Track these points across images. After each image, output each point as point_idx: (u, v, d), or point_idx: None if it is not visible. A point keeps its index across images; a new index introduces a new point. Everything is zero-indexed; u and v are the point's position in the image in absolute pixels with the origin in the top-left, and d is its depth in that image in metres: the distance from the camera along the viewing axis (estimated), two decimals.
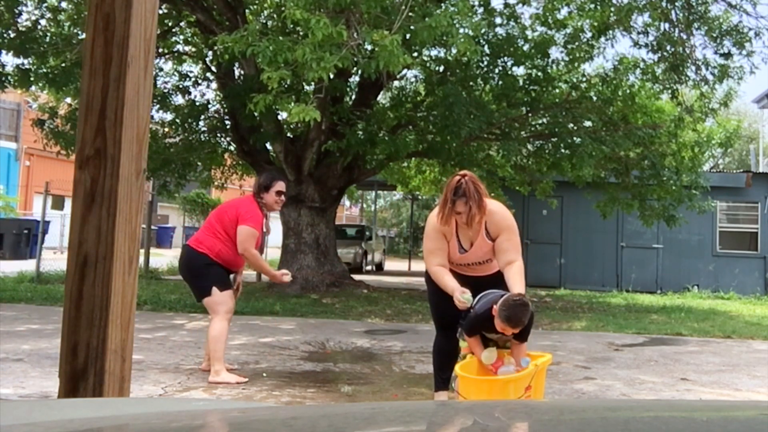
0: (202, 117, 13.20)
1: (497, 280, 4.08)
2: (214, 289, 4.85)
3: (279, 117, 11.32)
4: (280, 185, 5.11)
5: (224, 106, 12.47)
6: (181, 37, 13.42)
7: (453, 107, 9.56)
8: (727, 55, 10.37)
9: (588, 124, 11.38)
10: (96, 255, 1.71)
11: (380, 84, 10.75)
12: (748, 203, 15.88)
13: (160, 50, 12.29)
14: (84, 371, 1.70)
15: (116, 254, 1.72)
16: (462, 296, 3.82)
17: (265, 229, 5.10)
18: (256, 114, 8.30)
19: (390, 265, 25.31)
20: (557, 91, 11.84)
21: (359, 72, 9.80)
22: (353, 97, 12.28)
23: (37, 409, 1.08)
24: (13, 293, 9.74)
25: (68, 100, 12.43)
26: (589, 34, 11.06)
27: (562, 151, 11.57)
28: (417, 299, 11.49)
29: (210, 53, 11.97)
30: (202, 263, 4.92)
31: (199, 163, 13.87)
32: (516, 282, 3.87)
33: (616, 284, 15.68)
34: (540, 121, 12.18)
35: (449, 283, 3.94)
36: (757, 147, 29.32)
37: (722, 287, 15.05)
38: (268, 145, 12.16)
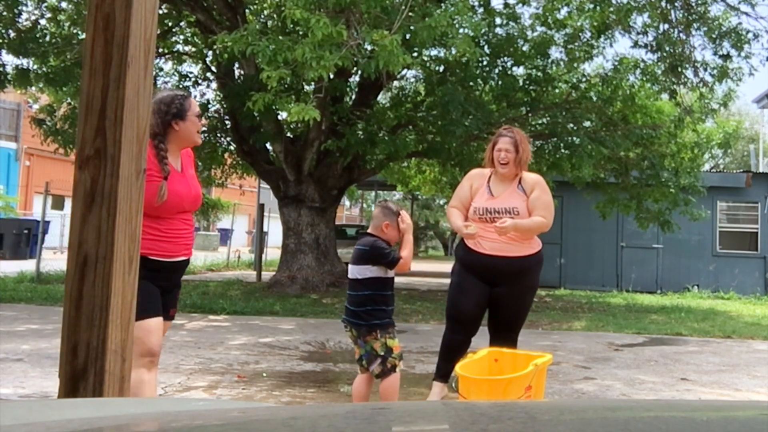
0: (202, 117, 13.20)
1: (527, 267, 4.12)
2: None
3: (279, 117, 11.32)
4: (195, 103, 3.37)
5: (224, 106, 12.47)
6: (181, 37, 13.42)
7: (448, 106, 9.57)
8: (726, 57, 10.38)
9: (588, 124, 11.38)
10: (96, 255, 1.71)
11: (380, 84, 10.75)
12: (748, 203, 15.88)
13: (160, 50, 12.29)
14: (84, 371, 1.70)
15: (116, 254, 1.72)
16: (467, 229, 4.05)
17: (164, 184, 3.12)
18: (255, 113, 8.30)
19: None
20: (557, 91, 11.84)
21: (359, 72, 9.80)
22: (353, 97, 12.27)
23: (37, 409, 1.08)
24: (13, 293, 9.74)
25: (68, 100, 12.42)
26: (588, 34, 11.06)
27: (562, 151, 11.57)
28: (417, 299, 11.49)
29: (210, 53, 11.97)
30: None
31: (200, 163, 13.86)
32: (526, 219, 4.07)
33: (616, 284, 15.68)
34: (540, 121, 12.18)
35: (457, 220, 4.22)
36: (757, 147, 29.30)
37: (722, 287, 15.05)
38: (268, 145, 12.16)
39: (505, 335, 4.21)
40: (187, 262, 3.30)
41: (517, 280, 4.12)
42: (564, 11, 10.91)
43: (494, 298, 4.18)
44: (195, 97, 13.33)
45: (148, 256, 3.02)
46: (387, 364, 3.63)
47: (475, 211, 4.15)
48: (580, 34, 11.05)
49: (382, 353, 3.61)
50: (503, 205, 4.10)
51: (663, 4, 10.10)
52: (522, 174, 4.23)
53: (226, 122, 12.87)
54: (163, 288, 3.14)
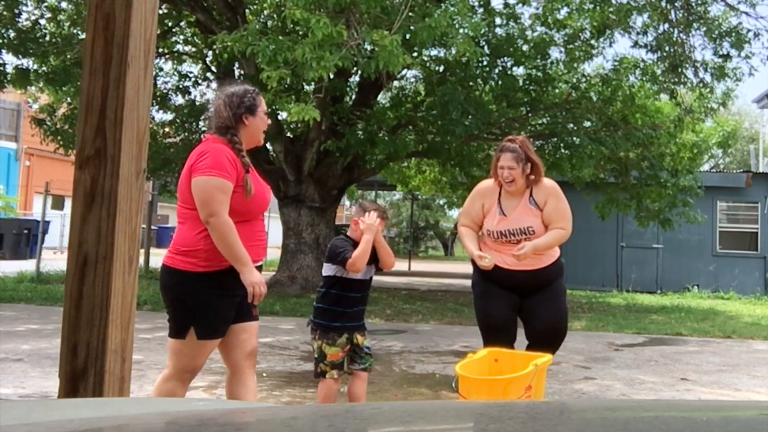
0: (202, 117, 13.19)
1: (548, 277, 3.96)
2: (191, 331, 2.88)
3: (279, 117, 11.31)
4: (263, 101, 3.16)
5: None
6: (181, 37, 13.42)
7: (448, 105, 9.57)
8: (726, 57, 10.38)
9: (588, 124, 11.38)
10: (96, 255, 1.71)
11: (380, 84, 10.75)
12: (748, 203, 15.88)
13: (160, 50, 12.29)
14: (84, 371, 1.70)
15: (116, 254, 1.72)
16: (482, 261, 3.87)
17: (250, 190, 2.91)
18: None
19: None
20: (557, 91, 11.84)
21: (359, 72, 9.80)
22: (353, 97, 12.27)
23: (37, 409, 1.08)
24: (13, 293, 9.74)
25: (68, 99, 12.42)
26: (588, 34, 11.06)
27: (562, 151, 11.57)
28: (417, 299, 11.49)
29: (210, 53, 11.96)
30: (176, 283, 2.91)
31: None
32: (544, 237, 3.87)
33: (616, 284, 15.67)
34: (540, 121, 12.18)
35: (469, 244, 4.02)
36: (757, 147, 29.31)
37: (722, 287, 15.05)
38: (268, 145, 12.16)
39: (553, 343, 3.95)
40: (261, 266, 3.08)
41: (542, 287, 3.98)
42: (564, 11, 10.91)
43: (526, 309, 4.00)
44: (195, 96, 13.34)
45: None
46: (317, 368, 3.55)
47: (488, 234, 4.00)
48: (580, 34, 11.05)
49: (316, 356, 3.56)
50: (517, 225, 3.92)
51: (663, 4, 10.10)
52: (533, 184, 4.01)
53: None
54: (241, 297, 2.96)
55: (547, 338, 3.95)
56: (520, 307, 4.02)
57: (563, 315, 4.04)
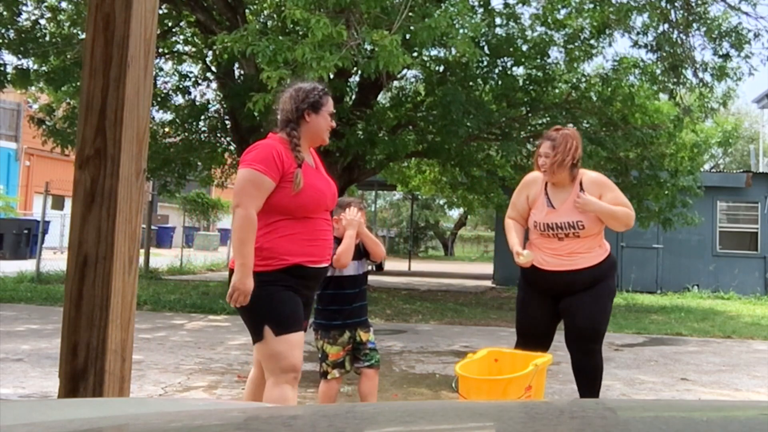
0: (202, 117, 13.20)
1: (590, 279, 3.78)
2: (267, 330, 2.89)
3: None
4: (331, 102, 3.13)
5: (224, 106, 12.47)
6: (181, 37, 13.42)
7: (450, 106, 9.57)
8: (726, 57, 10.38)
9: (587, 125, 11.38)
10: (96, 255, 1.71)
11: (380, 84, 10.74)
12: (748, 203, 15.88)
13: (160, 50, 12.29)
14: (84, 371, 1.70)
15: (116, 254, 1.72)
16: (518, 258, 3.78)
17: (300, 185, 2.87)
18: (256, 114, 8.29)
19: (390, 265, 25.31)
20: (557, 91, 11.84)
21: (359, 72, 9.80)
22: (353, 97, 12.27)
23: (37, 409, 1.08)
24: (13, 293, 9.74)
25: (68, 99, 12.42)
26: (588, 34, 11.06)
27: None
28: (417, 299, 11.49)
29: (210, 53, 11.97)
30: None
31: (199, 163, 13.87)
32: (613, 206, 3.76)
33: (616, 284, 15.65)
34: (540, 121, 12.17)
35: (512, 238, 3.91)
36: (757, 147, 29.29)
37: (722, 287, 15.05)
38: None
39: (582, 347, 3.88)
40: (327, 268, 3.08)
41: (585, 290, 3.80)
42: (564, 11, 10.91)
43: (564, 308, 3.88)
44: (195, 96, 13.34)
45: (298, 264, 2.88)
46: (320, 368, 3.57)
47: (535, 226, 3.85)
48: (580, 34, 11.05)
49: (320, 355, 3.59)
50: (565, 219, 3.76)
51: (663, 4, 10.10)
52: (582, 177, 3.83)
53: (226, 122, 12.86)
54: (305, 298, 2.96)
55: (581, 340, 3.88)
56: (560, 307, 3.91)
57: (599, 318, 3.87)
